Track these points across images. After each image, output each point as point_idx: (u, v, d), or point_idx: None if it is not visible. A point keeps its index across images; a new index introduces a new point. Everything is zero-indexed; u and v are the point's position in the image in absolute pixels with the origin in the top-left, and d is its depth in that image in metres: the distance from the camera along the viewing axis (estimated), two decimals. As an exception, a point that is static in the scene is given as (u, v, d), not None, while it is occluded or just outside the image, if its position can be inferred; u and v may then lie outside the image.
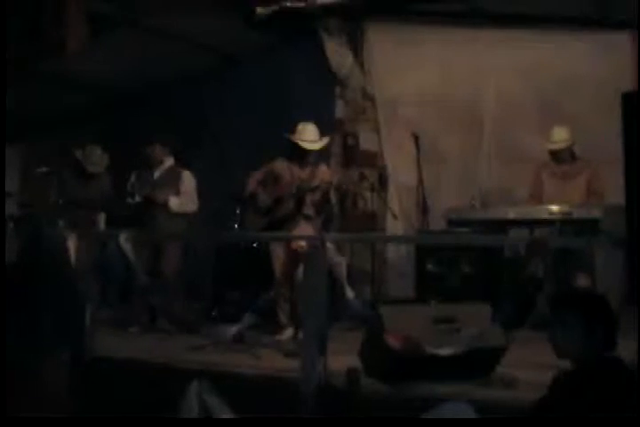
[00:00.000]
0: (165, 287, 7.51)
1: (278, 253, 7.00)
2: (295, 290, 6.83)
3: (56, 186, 7.95)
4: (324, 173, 7.14)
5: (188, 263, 8.23)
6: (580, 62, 8.47)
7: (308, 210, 7.00)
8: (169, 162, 7.77)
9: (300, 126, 7.09)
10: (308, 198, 7.00)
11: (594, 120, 8.18)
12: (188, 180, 7.71)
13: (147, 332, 7.34)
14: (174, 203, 7.56)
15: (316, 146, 7.11)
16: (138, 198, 7.63)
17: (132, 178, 7.77)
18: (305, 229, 6.86)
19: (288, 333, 6.83)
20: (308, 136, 7.07)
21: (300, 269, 6.27)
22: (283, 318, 6.95)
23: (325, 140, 7.18)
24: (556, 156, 7.45)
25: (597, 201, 7.12)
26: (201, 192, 7.77)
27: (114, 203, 8.00)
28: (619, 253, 5.62)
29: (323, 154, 7.54)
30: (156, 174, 7.74)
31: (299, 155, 7.11)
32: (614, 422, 3.20)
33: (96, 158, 7.97)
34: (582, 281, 6.92)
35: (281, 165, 7.17)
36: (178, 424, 4.81)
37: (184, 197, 7.62)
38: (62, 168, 8.05)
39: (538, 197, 7.48)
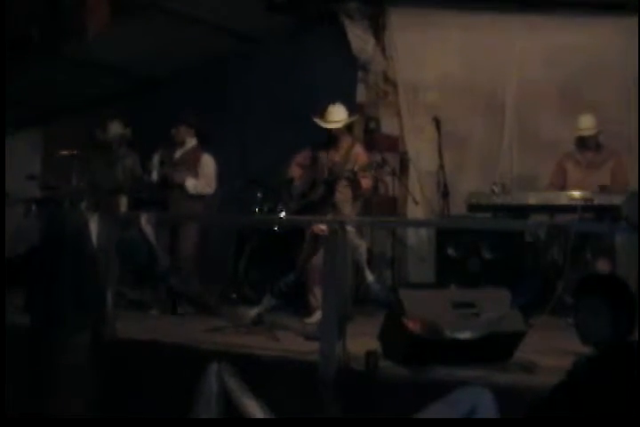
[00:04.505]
0: (182, 269, 7.54)
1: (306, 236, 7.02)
2: (308, 273, 6.86)
3: (78, 168, 7.99)
4: (359, 155, 7.09)
5: (209, 246, 8.26)
6: (604, 48, 8.42)
7: (343, 194, 6.97)
8: (191, 143, 7.80)
9: (327, 108, 7.09)
10: (342, 182, 6.96)
11: (616, 106, 8.15)
12: (207, 162, 7.74)
13: (167, 314, 7.37)
14: (191, 184, 7.61)
15: (334, 125, 7.09)
16: (154, 176, 7.67)
17: (154, 157, 7.80)
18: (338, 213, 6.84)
19: (318, 315, 6.84)
20: (330, 117, 7.08)
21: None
22: (313, 300, 6.97)
23: (346, 120, 7.13)
24: (582, 143, 7.40)
25: (620, 191, 7.08)
26: (221, 175, 7.79)
27: (141, 183, 8.06)
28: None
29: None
30: (177, 155, 7.78)
31: (328, 137, 7.10)
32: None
33: (111, 130, 8.07)
34: (603, 266, 6.91)
35: (319, 149, 7.17)
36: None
37: (201, 180, 7.65)
38: (86, 150, 8.09)
39: (557, 187, 7.44)
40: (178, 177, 7.59)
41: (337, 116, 7.07)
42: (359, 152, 7.11)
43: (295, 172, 7.22)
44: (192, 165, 7.69)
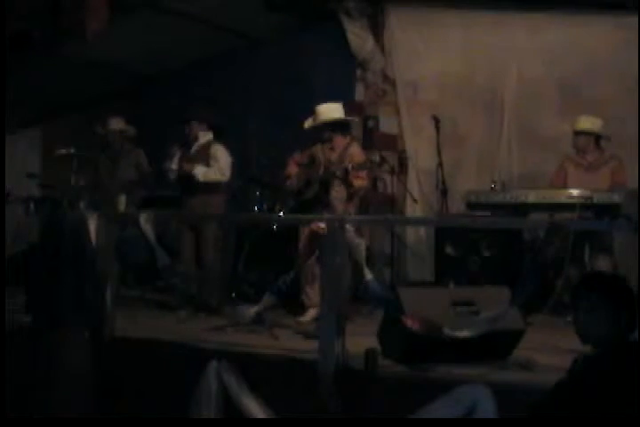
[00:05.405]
0: (208, 281, 7.53)
1: (303, 234, 6.99)
2: (302, 272, 6.86)
3: (77, 167, 7.98)
4: (355, 154, 7.02)
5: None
6: (603, 46, 8.40)
7: (337, 193, 6.95)
8: (205, 137, 7.68)
9: (316, 108, 7.09)
10: (337, 181, 6.94)
11: (615, 105, 8.13)
12: (217, 151, 7.58)
13: (168, 312, 7.37)
14: (199, 172, 7.44)
15: (306, 124, 7.09)
16: (174, 166, 7.57)
17: (173, 156, 7.65)
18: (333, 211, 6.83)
19: (311, 314, 6.85)
20: (318, 117, 7.05)
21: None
22: (306, 298, 6.97)
23: (314, 120, 7.07)
24: (580, 143, 7.36)
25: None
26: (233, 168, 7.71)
27: (152, 179, 8.03)
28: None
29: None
30: (193, 151, 7.66)
31: (324, 135, 7.09)
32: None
33: (111, 125, 8.08)
34: (603, 265, 6.90)
35: (317, 148, 7.15)
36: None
37: (212, 168, 7.50)
38: (89, 149, 8.07)
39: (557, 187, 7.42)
40: (187, 166, 7.51)
41: (326, 115, 7.02)
42: (355, 151, 7.04)
43: (292, 170, 7.20)
44: (205, 157, 7.55)
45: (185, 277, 7.44)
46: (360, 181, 6.91)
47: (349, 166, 6.75)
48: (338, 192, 6.95)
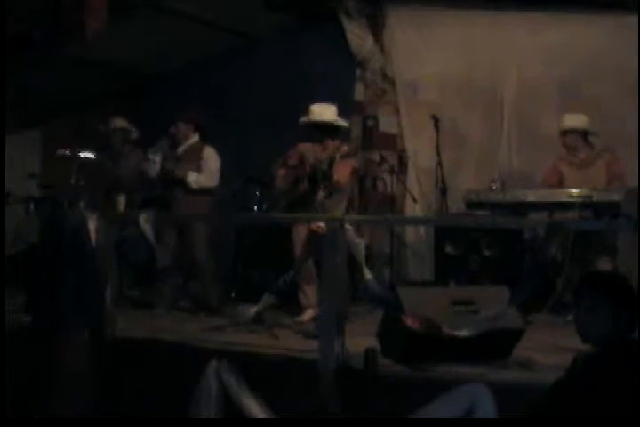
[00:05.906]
0: (199, 279, 7.52)
1: (300, 234, 6.97)
2: (305, 271, 6.85)
3: (77, 168, 7.97)
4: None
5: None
6: (603, 45, 8.39)
7: (326, 191, 6.91)
8: (193, 138, 7.67)
9: (310, 108, 7.03)
10: (325, 180, 6.89)
11: (615, 103, 8.13)
12: (209, 156, 7.57)
13: (168, 312, 7.37)
14: (192, 178, 7.43)
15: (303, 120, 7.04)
16: (158, 164, 7.52)
17: (156, 154, 7.58)
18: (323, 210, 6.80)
19: (309, 314, 6.85)
20: (312, 117, 7.01)
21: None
22: (303, 299, 6.96)
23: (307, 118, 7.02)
24: (568, 142, 7.34)
25: (619, 184, 7.07)
26: (223, 172, 7.70)
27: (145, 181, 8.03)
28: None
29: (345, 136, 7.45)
30: (180, 150, 7.64)
31: (314, 136, 7.05)
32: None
33: (113, 123, 8.15)
34: (604, 264, 6.90)
35: (306, 147, 7.12)
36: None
37: (204, 174, 7.49)
38: (89, 149, 8.07)
39: (551, 185, 7.41)
40: (179, 171, 7.50)
41: (316, 115, 6.98)
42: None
43: (281, 170, 7.15)
44: (194, 159, 7.54)
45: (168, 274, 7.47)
46: (339, 176, 6.76)
47: (337, 156, 6.69)
48: (325, 189, 6.89)
